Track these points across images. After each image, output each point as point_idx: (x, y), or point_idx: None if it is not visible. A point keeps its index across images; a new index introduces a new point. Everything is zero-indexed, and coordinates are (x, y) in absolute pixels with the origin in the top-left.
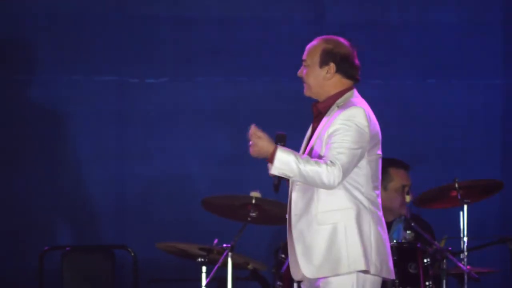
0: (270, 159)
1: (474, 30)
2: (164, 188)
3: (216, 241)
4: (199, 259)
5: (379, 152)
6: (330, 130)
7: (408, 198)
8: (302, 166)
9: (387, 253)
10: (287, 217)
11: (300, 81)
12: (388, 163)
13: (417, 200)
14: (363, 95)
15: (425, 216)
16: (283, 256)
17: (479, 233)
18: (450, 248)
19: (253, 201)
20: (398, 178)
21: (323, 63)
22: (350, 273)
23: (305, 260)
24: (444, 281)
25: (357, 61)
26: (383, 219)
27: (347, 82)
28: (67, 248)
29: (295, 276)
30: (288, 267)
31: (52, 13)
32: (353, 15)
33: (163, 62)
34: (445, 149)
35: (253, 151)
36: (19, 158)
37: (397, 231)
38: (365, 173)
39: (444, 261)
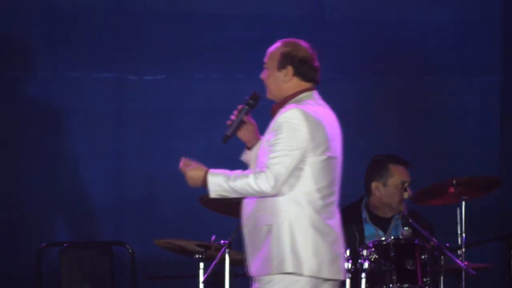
0: (204, 185)
1: (471, 27)
2: (163, 185)
3: (213, 237)
4: (197, 256)
5: (328, 154)
6: (269, 130)
7: (406, 195)
8: (232, 183)
9: (330, 254)
10: None
11: None
12: (388, 159)
13: (415, 197)
14: (361, 91)
15: (423, 212)
16: None
17: (477, 229)
18: (448, 245)
19: None
20: (398, 174)
21: (281, 66)
22: (280, 274)
23: (250, 258)
24: (442, 277)
25: (316, 64)
26: (329, 221)
27: (305, 85)
28: (65, 245)
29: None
30: None
31: (50, 10)
32: (351, 12)
33: (161, 59)
34: (443, 146)
35: (188, 181)
36: (17, 155)
37: (396, 227)
38: (305, 174)
39: (442, 257)
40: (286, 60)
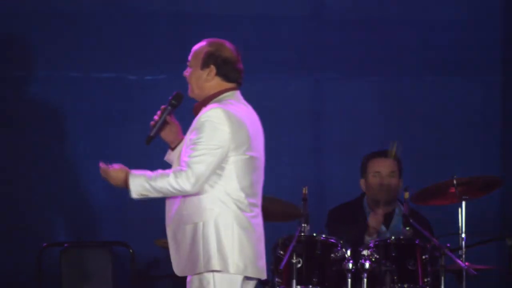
0: (126, 185)
1: (472, 27)
2: None
3: None
4: None
5: (250, 153)
6: (191, 129)
7: (407, 195)
8: (153, 183)
9: (255, 253)
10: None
11: (303, 78)
12: (368, 155)
13: (415, 197)
14: (361, 92)
15: (424, 212)
16: (281, 252)
17: (477, 229)
18: (448, 245)
19: None
20: (372, 166)
21: (204, 65)
22: (207, 272)
23: (175, 259)
24: (443, 278)
25: (240, 66)
26: (254, 220)
27: (227, 85)
28: (66, 245)
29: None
30: (286, 263)
31: (50, 9)
32: (350, 12)
33: (162, 59)
34: (443, 146)
35: (111, 182)
36: (17, 155)
37: (397, 224)
38: (228, 173)
39: (443, 257)
40: (209, 59)
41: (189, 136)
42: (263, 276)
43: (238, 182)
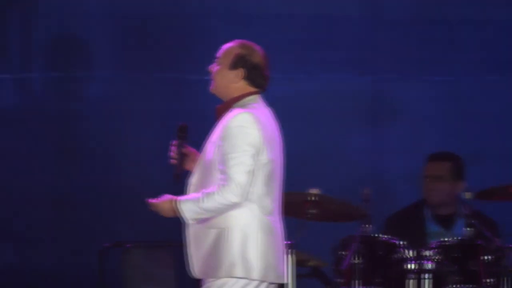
0: (179, 215)
1: None
2: None
3: None
4: None
5: (273, 157)
6: (221, 135)
7: (468, 195)
8: (201, 205)
9: (277, 258)
10: None
11: (362, 78)
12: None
13: (478, 195)
14: (420, 92)
15: (492, 213)
16: (342, 252)
17: None
18: (511, 245)
19: (313, 198)
20: (423, 170)
21: (233, 66)
22: (228, 277)
23: (194, 260)
24: (505, 279)
25: (267, 72)
26: (277, 225)
27: (252, 89)
28: (128, 245)
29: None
30: (347, 263)
31: (111, 10)
32: (408, 11)
33: None
34: (506, 145)
35: (163, 215)
36: (79, 155)
37: (459, 226)
38: (255, 179)
39: (505, 258)
40: (239, 62)
41: (218, 142)
42: (283, 280)
43: (263, 186)
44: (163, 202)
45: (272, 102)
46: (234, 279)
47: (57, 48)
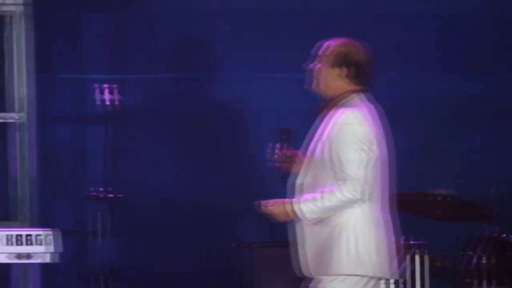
0: (296, 217)
1: None
2: None
3: (403, 238)
4: None
5: (381, 153)
6: (330, 134)
7: None
8: (320, 204)
9: (390, 254)
10: None
11: (485, 77)
12: None
13: None
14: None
15: None
16: (471, 253)
17: None
18: None
19: (441, 198)
20: None
21: (336, 64)
22: (341, 274)
23: (306, 259)
24: None
25: (370, 70)
26: (387, 221)
27: (355, 87)
28: (255, 245)
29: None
30: (477, 264)
31: (233, 10)
32: None
33: None
34: None
35: (278, 218)
36: (208, 155)
37: None
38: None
39: None
40: (342, 60)
41: (327, 140)
42: (396, 276)
43: (373, 182)
44: (279, 204)
45: (393, 101)
46: (347, 276)
47: (181, 49)
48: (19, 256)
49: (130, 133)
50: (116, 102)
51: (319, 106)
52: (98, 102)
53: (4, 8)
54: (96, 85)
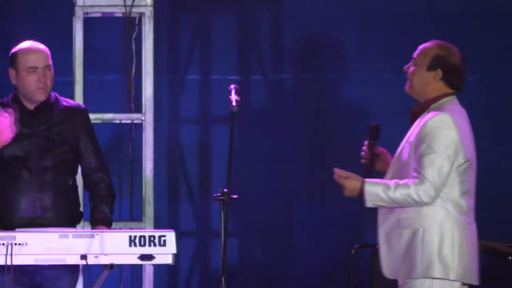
0: (360, 195)
1: None
2: (481, 186)
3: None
4: (510, 258)
5: (468, 158)
6: (418, 135)
7: None
8: (391, 194)
9: (473, 258)
10: None
11: None
12: None
13: None
14: None
15: None
16: None
17: None
18: None
19: None
20: None
21: (432, 67)
22: (424, 278)
23: (386, 260)
24: None
25: (464, 74)
26: (472, 225)
27: (449, 91)
28: (376, 246)
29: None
30: None
31: (362, 10)
32: None
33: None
34: None
35: (345, 192)
36: (326, 157)
37: None
38: (452, 179)
39: None
40: (438, 63)
41: (415, 142)
42: (477, 281)
43: (460, 187)
44: (352, 178)
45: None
46: (431, 280)
47: (308, 49)
48: (142, 257)
49: (255, 134)
50: (241, 104)
51: (412, 109)
52: (234, 104)
53: (133, 10)
54: (231, 86)
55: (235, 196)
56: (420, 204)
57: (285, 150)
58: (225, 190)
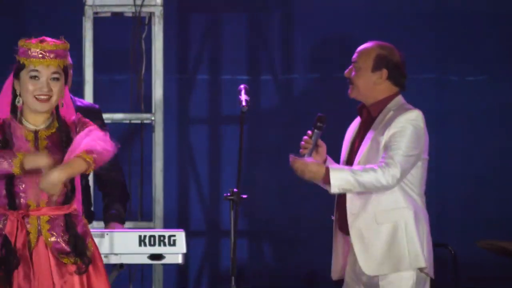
0: (325, 180)
1: None
2: (486, 185)
3: None
4: None
5: (426, 156)
6: (390, 132)
7: None
8: (358, 177)
9: (430, 252)
10: (332, 217)
11: None
12: None
13: None
14: None
15: None
16: None
17: None
18: None
19: None
20: None
21: (376, 68)
22: (410, 270)
23: (364, 258)
24: None
25: (405, 71)
26: (427, 218)
27: (395, 89)
28: None
29: (334, 275)
30: None
31: (372, 10)
32: None
33: (483, 60)
34: None
35: (306, 175)
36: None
37: None
38: (418, 175)
39: None
40: (381, 62)
41: (384, 137)
42: (433, 275)
43: (423, 183)
44: (311, 163)
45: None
46: (412, 272)
47: (317, 49)
48: (152, 257)
49: (265, 134)
50: (250, 104)
51: (362, 110)
52: (244, 104)
53: (143, 9)
54: (241, 86)
55: (244, 196)
56: (385, 188)
57: (295, 150)
58: (234, 189)
